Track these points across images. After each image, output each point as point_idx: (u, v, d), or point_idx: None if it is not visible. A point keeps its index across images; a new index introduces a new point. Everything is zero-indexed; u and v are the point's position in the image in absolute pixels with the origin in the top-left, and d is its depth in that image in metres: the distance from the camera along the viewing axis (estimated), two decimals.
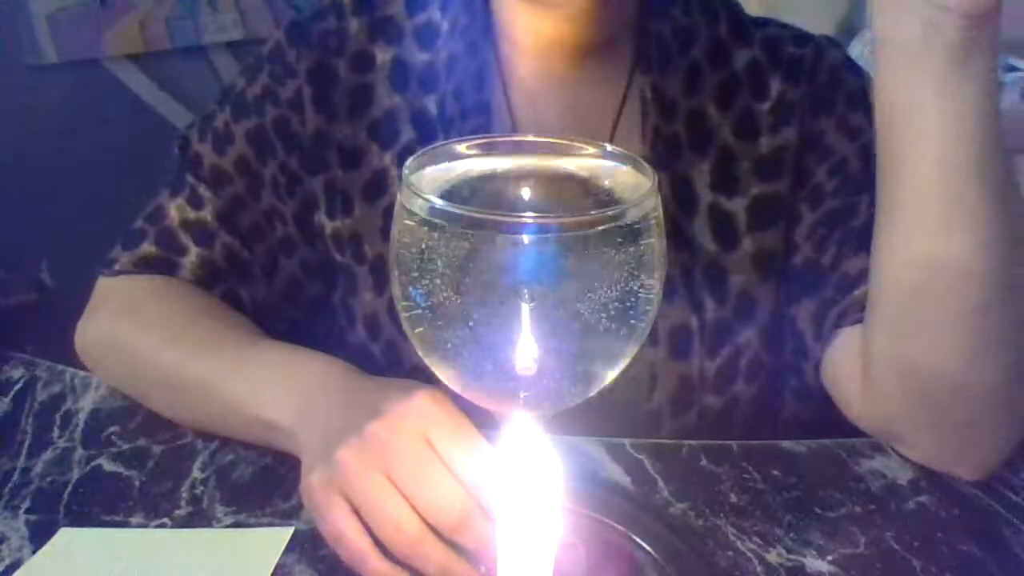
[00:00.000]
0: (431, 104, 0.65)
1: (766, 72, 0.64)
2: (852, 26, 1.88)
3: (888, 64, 0.49)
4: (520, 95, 0.65)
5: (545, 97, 0.65)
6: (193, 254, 0.67)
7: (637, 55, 0.64)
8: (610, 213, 0.31)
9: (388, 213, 0.65)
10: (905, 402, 0.54)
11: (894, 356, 0.53)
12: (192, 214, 0.67)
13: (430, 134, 0.65)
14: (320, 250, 0.68)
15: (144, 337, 0.63)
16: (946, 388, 0.52)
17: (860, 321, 0.56)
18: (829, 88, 0.64)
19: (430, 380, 0.61)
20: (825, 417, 0.62)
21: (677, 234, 0.62)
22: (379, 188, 0.65)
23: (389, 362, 0.65)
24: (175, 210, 0.67)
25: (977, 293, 0.49)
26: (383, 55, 0.66)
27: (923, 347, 0.51)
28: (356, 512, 0.45)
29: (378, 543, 0.45)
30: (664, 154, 0.62)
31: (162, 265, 0.67)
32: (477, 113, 0.63)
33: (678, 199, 0.62)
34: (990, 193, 0.48)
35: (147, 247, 0.67)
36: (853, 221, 0.60)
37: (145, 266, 0.67)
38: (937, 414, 0.54)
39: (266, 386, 0.56)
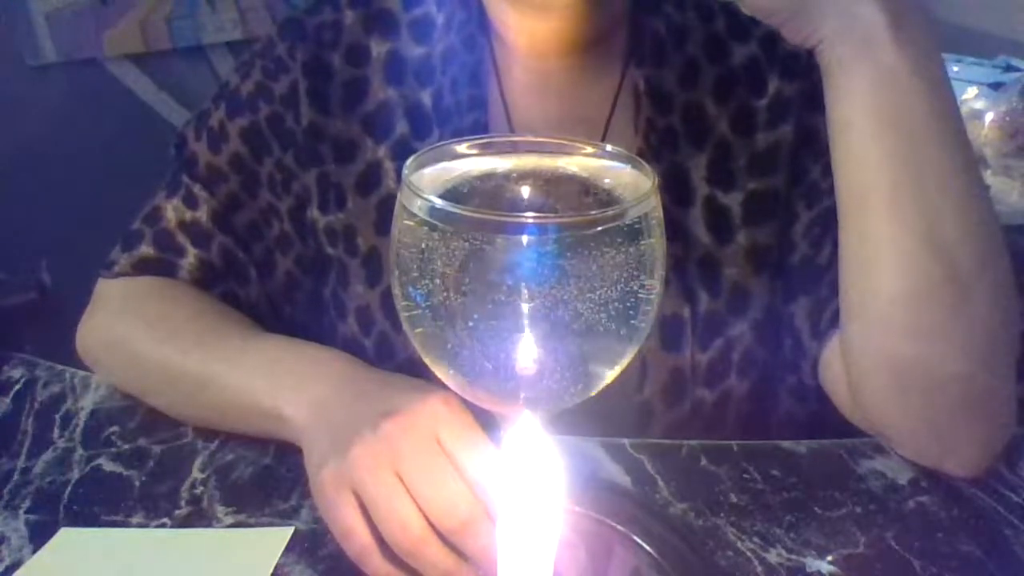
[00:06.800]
0: (426, 97, 0.65)
1: (764, 69, 0.64)
2: None
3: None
4: (515, 89, 0.65)
5: (540, 91, 0.65)
6: (191, 255, 0.67)
7: (630, 49, 0.65)
8: (610, 213, 0.31)
9: (381, 206, 0.65)
10: (888, 397, 0.54)
11: (873, 350, 0.53)
12: (188, 215, 0.67)
13: (424, 128, 0.65)
14: (312, 245, 0.68)
15: (144, 334, 0.63)
16: (927, 382, 0.52)
17: None
18: None
19: (423, 373, 0.61)
20: (822, 416, 0.62)
21: (671, 225, 0.62)
22: (372, 181, 0.65)
23: (381, 355, 0.65)
24: (171, 211, 0.68)
25: (952, 285, 0.49)
26: (379, 48, 0.66)
27: (904, 341, 0.52)
28: (364, 509, 0.45)
29: (383, 542, 0.45)
30: (658, 146, 0.62)
31: (161, 267, 0.67)
32: (473, 107, 0.63)
33: (673, 191, 0.62)
34: (919, 174, 0.49)
35: (145, 249, 0.67)
36: None
37: (144, 268, 0.67)
38: (921, 408, 0.53)
39: (267, 375, 0.56)
